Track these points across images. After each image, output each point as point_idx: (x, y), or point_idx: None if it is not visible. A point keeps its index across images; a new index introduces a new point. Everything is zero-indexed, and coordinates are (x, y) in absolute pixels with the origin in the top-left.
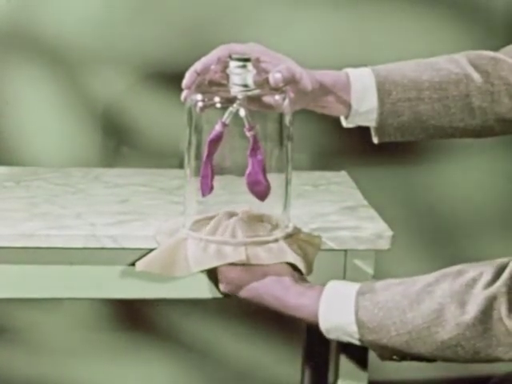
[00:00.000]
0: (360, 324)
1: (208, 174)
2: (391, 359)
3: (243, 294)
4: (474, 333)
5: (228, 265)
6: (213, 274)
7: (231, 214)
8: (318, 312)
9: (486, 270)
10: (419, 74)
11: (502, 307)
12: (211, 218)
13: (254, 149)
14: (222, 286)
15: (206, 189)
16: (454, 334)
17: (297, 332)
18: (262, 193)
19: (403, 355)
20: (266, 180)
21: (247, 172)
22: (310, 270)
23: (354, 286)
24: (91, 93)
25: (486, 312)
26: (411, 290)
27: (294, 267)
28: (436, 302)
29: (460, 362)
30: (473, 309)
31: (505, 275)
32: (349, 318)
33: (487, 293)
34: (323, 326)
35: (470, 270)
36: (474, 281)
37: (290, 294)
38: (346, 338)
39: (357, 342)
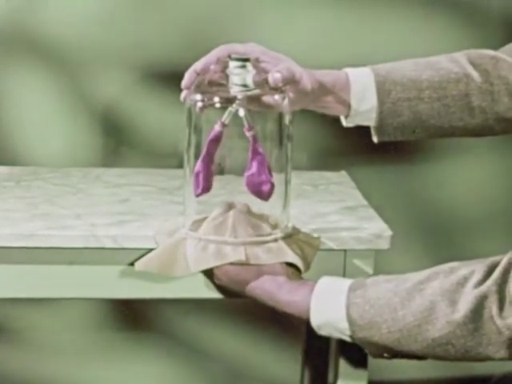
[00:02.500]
0: (351, 321)
1: (200, 173)
2: (382, 357)
3: (236, 286)
4: (464, 331)
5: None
6: (211, 274)
7: (230, 206)
8: (310, 308)
9: (478, 268)
10: (419, 74)
11: (492, 306)
12: None
13: (255, 149)
14: (216, 279)
15: (198, 188)
16: (444, 332)
17: (297, 332)
18: (266, 192)
19: (394, 353)
20: (272, 176)
21: (249, 173)
22: (307, 269)
23: (346, 283)
24: (91, 93)
25: (477, 311)
26: (402, 287)
27: (291, 265)
28: (427, 299)
29: (451, 360)
30: (463, 307)
31: (495, 274)
32: (340, 314)
33: (478, 291)
34: (314, 322)
35: (462, 268)
36: (466, 279)
37: (282, 290)
38: (337, 335)
39: (348, 339)
